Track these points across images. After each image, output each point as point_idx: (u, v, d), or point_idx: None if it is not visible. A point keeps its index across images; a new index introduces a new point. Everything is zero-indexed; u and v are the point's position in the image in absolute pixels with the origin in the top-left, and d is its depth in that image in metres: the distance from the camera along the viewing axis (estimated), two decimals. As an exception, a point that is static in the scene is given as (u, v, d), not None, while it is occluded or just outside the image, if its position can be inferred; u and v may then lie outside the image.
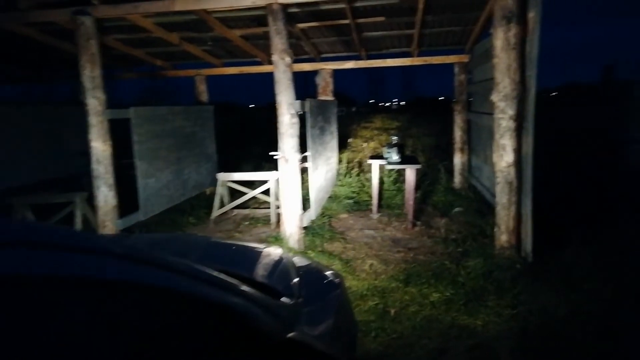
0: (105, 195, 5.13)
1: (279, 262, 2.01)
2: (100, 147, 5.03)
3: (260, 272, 1.84)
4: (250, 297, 1.36)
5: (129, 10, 4.89)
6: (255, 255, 2.13)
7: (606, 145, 6.65)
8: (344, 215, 6.60)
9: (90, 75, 4.90)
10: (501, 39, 4.15)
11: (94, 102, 4.95)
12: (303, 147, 5.33)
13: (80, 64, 4.90)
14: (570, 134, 9.66)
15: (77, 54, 4.93)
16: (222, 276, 1.36)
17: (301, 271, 2.02)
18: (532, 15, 4.03)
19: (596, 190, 6.35)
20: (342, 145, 10.46)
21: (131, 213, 5.43)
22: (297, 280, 1.81)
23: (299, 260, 2.29)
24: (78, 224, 5.46)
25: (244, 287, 1.39)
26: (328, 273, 2.26)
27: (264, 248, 2.30)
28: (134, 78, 8.67)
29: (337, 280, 2.19)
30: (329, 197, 7.16)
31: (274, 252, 2.22)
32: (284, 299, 1.53)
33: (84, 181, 6.58)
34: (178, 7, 4.81)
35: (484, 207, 6.20)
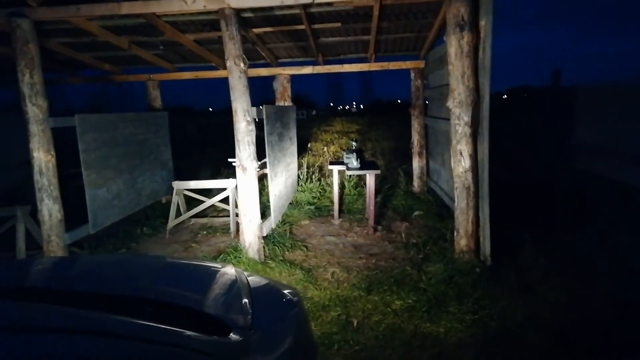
0: (50, 208, 4.81)
1: (231, 285, 1.89)
2: (42, 157, 4.71)
3: (209, 301, 1.72)
4: (185, 349, 1.26)
5: (70, 13, 4.61)
6: (206, 277, 2.00)
7: (555, 149, 6.93)
8: (306, 222, 6.51)
9: (30, 81, 4.58)
10: (455, 47, 4.20)
11: (35, 110, 4.62)
12: (262, 153, 5.21)
13: (18, 69, 4.57)
14: (520, 137, 10.03)
15: (15, 58, 4.59)
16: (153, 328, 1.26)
17: (256, 293, 1.91)
18: (484, 23, 4.10)
19: (546, 193, 6.57)
20: (303, 150, 10.40)
21: (80, 225, 5.12)
22: (250, 307, 1.70)
23: (254, 279, 2.18)
24: (20, 239, 5.09)
25: (178, 337, 1.29)
26: (285, 291, 2.17)
27: (217, 267, 2.18)
28: (83, 83, 8.23)
29: (294, 298, 2.10)
30: (290, 204, 7.05)
31: (226, 272, 2.10)
32: (232, 335, 1.42)
33: (27, 193, 6.17)
34: (125, 11, 4.58)
35: (443, 211, 6.30)
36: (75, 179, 5.81)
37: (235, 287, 1.85)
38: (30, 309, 1.44)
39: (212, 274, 2.06)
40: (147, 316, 1.46)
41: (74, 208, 5.16)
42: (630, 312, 3.48)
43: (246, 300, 1.74)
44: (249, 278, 2.17)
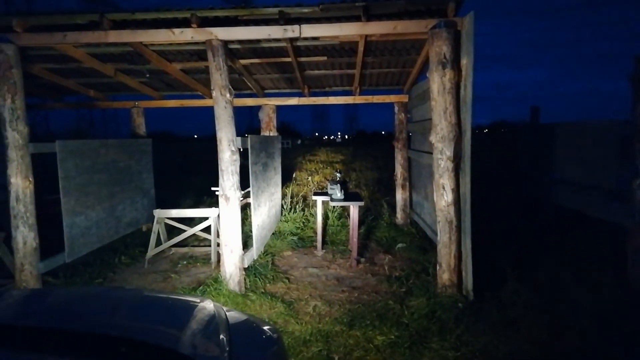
0: (25, 236, 4.67)
1: (209, 322, 1.84)
2: (20, 183, 4.60)
3: (186, 339, 1.66)
4: None
5: (56, 39, 4.61)
6: (183, 313, 1.94)
7: (534, 184, 7.07)
8: (288, 253, 6.44)
9: (11, 106, 4.51)
10: (437, 83, 4.31)
11: (15, 135, 4.54)
12: (246, 182, 5.18)
13: (-1, 93, 4.51)
14: (501, 171, 10.22)
15: (-3, 83, 4.54)
16: None
17: (235, 330, 1.86)
18: (465, 61, 4.23)
19: (527, 228, 6.65)
20: (287, 179, 10.41)
21: (56, 253, 4.97)
22: (228, 344, 1.65)
23: (233, 315, 2.13)
24: (-8, 267, 4.91)
25: None
26: (265, 328, 2.12)
27: (195, 302, 2.12)
28: (67, 108, 8.16)
29: (274, 335, 2.05)
30: (273, 234, 6.98)
31: (205, 307, 2.05)
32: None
33: (4, 218, 6.00)
34: (112, 39, 4.60)
35: (426, 243, 6.31)
36: (52, 205, 5.69)
37: (213, 324, 1.80)
38: None
39: (190, 309, 2.00)
40: (119, 357, 1.40)
41: (49, 235, 5.02)
42: (610, 350, 3.48)
43: (224, 337, 1.68)
44: (228, 313, 2.12)
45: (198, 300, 2.15)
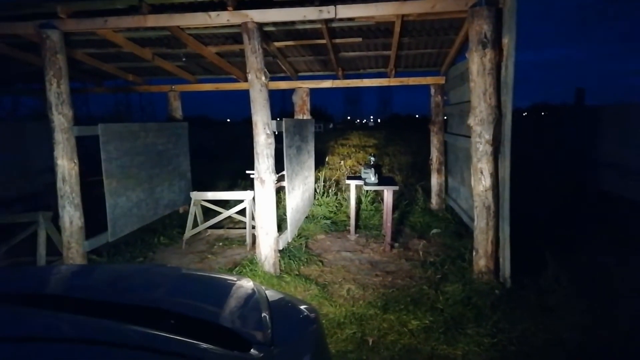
0: (71, 215, 4.89)
1: (249, 299, 1.87)
2: (66, 165, 4.79)
3: (228, 315, 1.69)
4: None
5: (98, 24, 4.73)
6: (225, 290, 1.98)
7: (579, 168, 6.79)
8: (321, 236, 6.47)
9: (57, 91, 4.69)
10: (477, 64, 4.16)
11: (60, 119, 4.72)
12: (280, 166, 5.22)
13: (46, 78, 4.69)
14: (543, 156, 9.87)
15: (43, 68, 4.72)
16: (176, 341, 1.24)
17: (274, 308, 1.88)
18: (507, 41, 4.06)
19: (570, 212, 6.42)
20: (320, 163, 10.41)
21: (99, 233, 5.18)
22: (270, 322, 1.67)
23: (272, 294, 2.15)
24: (41, 245, 5.16)
25: (199, 351, 1.27)
26: (302, 307, 2.13)
27: (235, 280, 2.16)
28: (106, 92, 8.42)
29: (312, 315, 2.06)
30: (306, 217, 7.03)
31: (245, 285, 2.08)
32: (253, 351, 1.39)
33: (49, 199, 6.29)
34: (150, 23, 4.67)
35: (462, 229, 6.20)
36: (94, 187, 5.92)
37: (253, 301, 1.83)
38: (48, 317, 1.45)
39: (231, 287, 2.04)
40: (166, 328, 1.45)
41: (92, 216, 5.22)
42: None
43: (265, 314, 1.71)
44: (266, 292, 2.15)
45: (237, 279, 2.19)
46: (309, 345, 1.71)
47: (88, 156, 5.28)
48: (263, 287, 2.19)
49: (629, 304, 3.76)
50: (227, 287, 2.04)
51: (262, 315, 1.69)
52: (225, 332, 1.53)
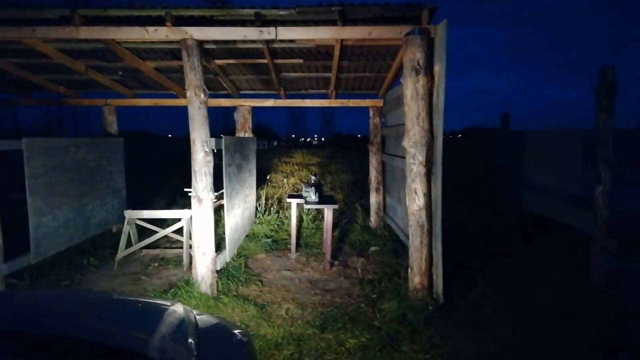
0: (-13, 237, 4.49)
1: (177, 325, 1.82)
2: (-18, 182, 4.43)
3: (153, 342, 1.63)
4: None
5: (25, 34, 4.48)
6: (152, 316, 1.91)
7: (503, 189, 7.26)
8: (262, 255, 6.41)
9: (-25, 103, 4.35)
10: (411, 89, 4.38)
11: (-22, 133, 4.38)
12: (219, 183, 5.13)
13: (-38, 89, 4.35)
14: (470, 176, 10.44)
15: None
16: None
17: (204, 333, 1.84)
18: (438, 68, 4.31)
19: (496, 231, 6.81)
20: (262, 181, 10.34)
21: (21, 254, 4.79)
22: (196, 348, 1.63)
23: (203, 318, 2.11)
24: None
25: None
26: (235, 331, 2.10)
27: (164, 305, 2.09)
28: (35, 105, 7.91)
29: (244, 338, 2.04)
30: (247, 236, 6.93)
31: (174, 310, 2.02)
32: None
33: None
34: (83, 35, 4.49)
35: (399, 247, 6.38)
36: (17, 205, 5.50)
37: (182, 327, 1.78)
38: None
39: (159, 312, 1.97)
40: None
41: (13, 235, 4.84)
42: (574, 345, 3.60)
43: (192, 340, 1.67)
44: (198, 317, 2.10)
45: (168, 304, 2.12)
46: (239, 369, 1.68)
47: (13, 172, 4.91)
48: (195, 312, 2.14)
49: (551, 317, 4.02)
50: (156, 312, 1.97)
51: (189, 342, 1.65)
52: None
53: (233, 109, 7.82)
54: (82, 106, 12.29)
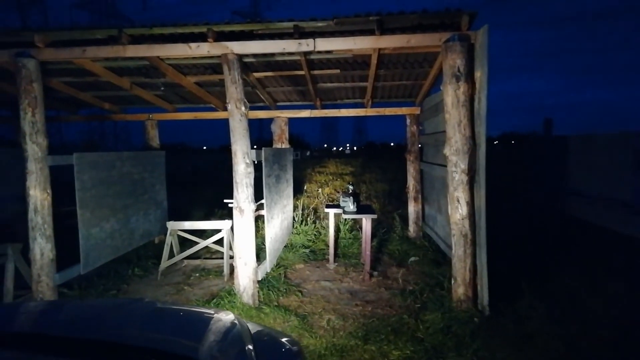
0: (42, 247, 4.72)
1: (231, 332, 1.83)
2: (38, 195, 4.65)
3: (210, 349, 1.65)
4: None
5: (76, 54, 4.71)
6: (205, 324, 1.94)
7: (547, 196, 7.02)
8: (300, 266, 6.42)
9: (31, 120, 4.60)
10: (451, 96, 4.31)
11: (35, 148, 4.62)
12: (258, 194, 5.20)
13: (20, 107, 4.60)
14: (512, 184, 10.14)
15: (18, 96, 4.63)
16: None
17: (257, 341, 1.85)
18: (479, 74, 4.23)
19: (541, 240, 6.58)
20: (298, 191, 10.41)
21: (70, 265, 5.00)
22: (254, 356, 1.64)
23: (253, 327, 2.12)
24: (9, 278, 4.94)
25: None
26: (284, 340, 2.10)
27: (214, 314, 2.12)
28: (82, 121, 8.28)
29: (294, 348, 2.03)
30: (285, 247, 6.98)
31: (225, 318, 2.04)
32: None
33: (21, 228, 6.05)
34: (129, 54, 4.68)
35: (439, 257, 6.26)
36: (65, 217, 5.74)
37: (236, 335, 1.80)
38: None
39: (211, 320, 2.00)
40: None
41: (63, 247, 5.05)
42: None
43: (249, 347, 1.68)
44: (248, 325, 2.11)
45: (217, 312, 2.15)
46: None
47: (57, 185, 5.13)
48: (244, 320, 2.16)
49: (602, 330, 3.84)
50: (207, 320, 2.00)
51: (247, 349, 1.66)
52: None
53: (267, 121, 7.93)
54: (123, 121, 12.76)
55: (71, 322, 1.99)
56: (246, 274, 4.73)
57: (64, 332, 1.77)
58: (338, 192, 11.29)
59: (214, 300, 4.79)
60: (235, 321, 2.02)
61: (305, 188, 12.30)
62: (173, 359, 1.57)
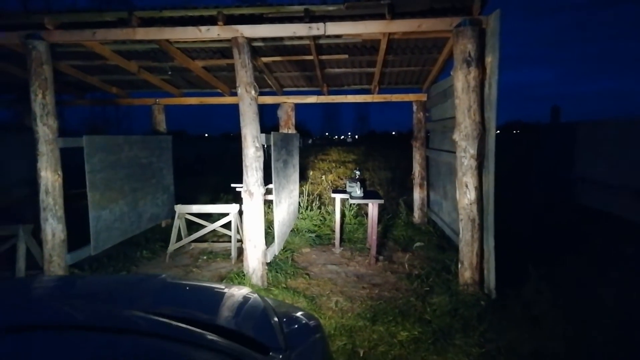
0: (54, 228, 4.78)
1: (258, 307, 1.89)
2: (50, 177, 4.70)
3: (243, 322, 1.71)
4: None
5: (86, 36, 4.71)
6: (234, 300, 1.99)
7: (555, 183, 7.04)
8: (307, 250, 6.49)
9: (42, 102, 4.62)
10: (462, 81, 4.32)
11: (45, 130, 4.65)
12: (266, 179, 5.24)
13: (31, 89, 4.62)
14: (519, 171, 10.16)
15: (28, 79, 4.65)
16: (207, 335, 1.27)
17: (281, 316, 1.90)
18: (490, 59, 4.23)
19: (549, 225, 6.63)
20: (302, 177, 10.44)
21: (80, 246, 5.07)
22: (280, 328, 1.69)
23: (276, 303, 2.18)
24: (21, 258, 5.01)
25: (238, 351, 1.30)
26: (300, 314, 2.15)
27: (238, 290, 2.17)
28: (89, 105, 8.29)
29: (312, 322, 2.08)
30: (291, 231, 7.04)
31: (249, 294, 2.10)
32: (272, 354, 1.41)
33: (27, 211, 6.11)
34: (139, 36, 4.68)
35: (444, 242, 6.32)
36: (74, 200, 5.79)
37: (262, 310, 1.85)
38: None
39: (238, 296, 2.05)
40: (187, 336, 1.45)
41: (72, 229, 5.11)
42: (634, 346, 3.47)
43: (276, 321, 1.73)
44: (268, 301, 2.16)
45: (240, 289, 2.20)
46: (319, 351, 1.73)
47: (65, 168, 5.18)
48: (269, 297, 2.21)
49: (609, 315, 3.89)
50: (235, 297, 2.05)
51: (273, 322, 1.71)
52: (245, 339, 1.54)
53: (271, 106, 7.94)
54: (124, 106, 12.77)
55: (90, 295, 2.01)
56: (255, 256, 4.79)
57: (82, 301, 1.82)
58: (342, 179, 11.31)
59: (224, 282, 4.86)
60: (259, 298, 2.07)
61: (309, 175, 12.33)
62: (217, 330, 1.60)
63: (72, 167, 5.76)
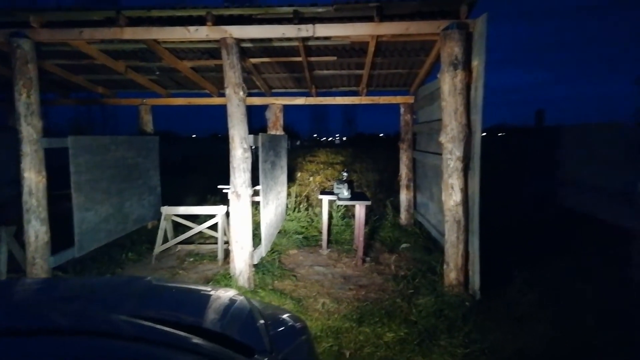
0: (37, 230, 4.71)
1: (243, 309, 1.89)
2: (33, 177, 4.63)
3: (228, 324, 1.71)
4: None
5: (72, 35, 4.66)
6: (220, 303, 1.98)
7: (539, 186, 7.15)
8: (294, 251, 6.49)
9: (26, 101, 4.56)
10: (448, 84, 4.37)
11: (29, 130, 4.58)
12: (254, 181, 5.23)
13: (15, 88, 4.55)
14: (503, 174, 10.30)
15: (12, 77, 4.58)
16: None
17: (266, 318, 1.91)
18: (476, 63, 4.30)
19: (531, 228, 6.73)
20: (290, 179, 10.43)
21: (63, 248, 4.99)
22: (266, 331, 1.70)
23: (262, 305, 2.18)
24: (2, 261, 4.92)
25: (222, 354, 1.30)
26: (286, 316, 2.16)
27: (224, 293, 2.16)
28: (74, 105, 8.19)
29: (298, 324, 2.09)
30: (279, 233, 7.03)
31: (235, 296, 2.10)
32: (258, 357, 1.42)
33: (13, 212, 6.00)
34: (127, 36, 4.64)
35: (430, 244, 6.37)
36: (58, 201, 5.70)
37: (248, 312, 1.85)
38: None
39: (222, 298, 2.05)
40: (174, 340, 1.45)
41: (56, 230, 5.03)
42: (614, 345, 3.54)
43: (262, 323, 1.73)
44: (254, 303, 2.16)
45: (226, 291, 2.19)
46: (305, 353, 1.74)
47: (51, 169, 5.11)
48: (256, 300, 2.21)
49: (591, 316, 3.97)
50: (220, 298, 2.04)
51: (259, 324, 1.71)
52: (229, 342, 1.54)
53: (259, 108, 7.96)
54: (115, 106, 12.62)
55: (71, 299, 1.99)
56: (242, 258, 4.78)
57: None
58: (329, 181, 11.34)
59: (210, 284, 4.83)
60: (245, 300, 2.07)
61: (296, 176, 12.33)
62: (201, 332, 1.60)
63: (56, 168, 5.69)
